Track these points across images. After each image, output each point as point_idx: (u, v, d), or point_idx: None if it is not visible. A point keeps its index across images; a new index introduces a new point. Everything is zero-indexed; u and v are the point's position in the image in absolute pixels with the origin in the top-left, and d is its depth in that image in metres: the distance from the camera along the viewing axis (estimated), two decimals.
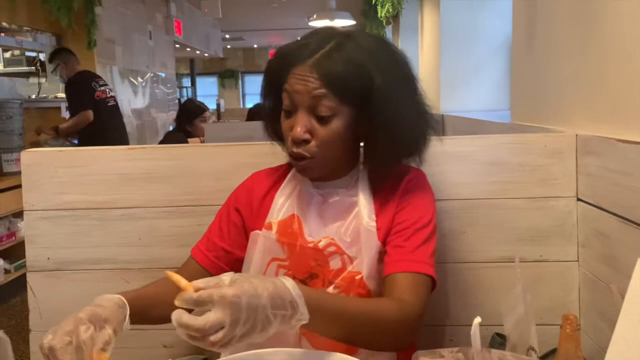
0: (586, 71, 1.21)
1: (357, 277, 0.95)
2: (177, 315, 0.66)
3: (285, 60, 0.94)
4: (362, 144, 1.01)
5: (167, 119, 7.07)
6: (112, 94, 4.26)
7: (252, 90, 14.88)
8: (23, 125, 3.78)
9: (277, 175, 1.08)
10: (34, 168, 1.26)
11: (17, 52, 5.31)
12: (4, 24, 4.19)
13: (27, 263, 1.27)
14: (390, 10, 4.38)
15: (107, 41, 5.30)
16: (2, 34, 4.65)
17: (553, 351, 0.97)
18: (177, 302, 0.67)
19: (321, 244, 0.98)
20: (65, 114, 4.53)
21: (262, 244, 1.00)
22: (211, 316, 0.65)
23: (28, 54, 5.29)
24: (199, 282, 0.69)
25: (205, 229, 1.08)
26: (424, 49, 4.50)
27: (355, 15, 5.85)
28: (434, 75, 3.83)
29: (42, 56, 5.16)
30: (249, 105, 6.69)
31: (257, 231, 1.02)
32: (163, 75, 7.20)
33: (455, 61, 3.69)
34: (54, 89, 5.22)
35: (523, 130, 1.51)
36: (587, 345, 1.13)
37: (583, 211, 1.17)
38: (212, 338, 0.65)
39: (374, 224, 0.97)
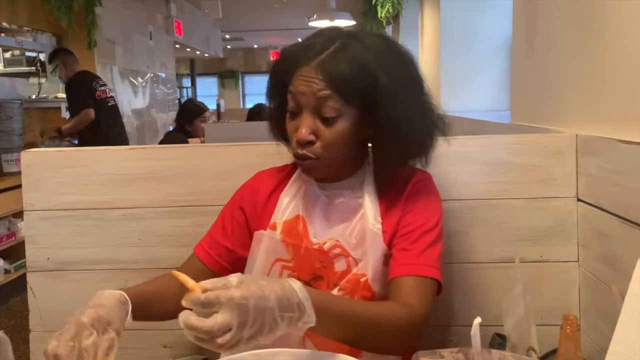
0: (586, 71, 1.21)
1: (362, 279, 0.94)
2: (185, 317, 0.66)
3: (289, 61, 0.94)
4: (370, 145, 1.00)
5: (167, 119, 7.07)
6: (111, 94, 4.27)
7: (252, 91, 14.89)
8: (23, 125, 3.78)
9: (282, 175, 1.07)
10: (34, 168, 1.26)
11: (17, 52, 5.31)
12: (4, 24, 4.20)
13: (27, 263, 1.27)
14: (391, 10, 4.38)
15: (107, 41, 5.30)
16: (2, 34, 4.65)
17: (553, 351, 0.97)
18: (184, 303, 0.67)
19: (326, 246, 0.97)
20: (65, 114, 4.53)
21: (266, 244, 1.00)
22: (219, 318, 0.64)
23: (28, 54, 5.29)
24: (207, 283, 0.68)
25: (205, 229, 1.08)
26: (424, 49, 4.50)
27: (355, 15, 5.85)
28: (434, 75, 3.83)
29: (42, 56, 5.16)
30: (249, 105, 6.68)
31: (262, 231, 1.01)
32: (163, 75, 7.20)
33: (455, 61, 3.70)
34: (54, 89, 5.22)
35: (523, 130, 1.51)
36: (587, 346, 1.13)
37: (583, 211, 1.17)
38: (220, 340, 0.65)
39: (380, 226, 0.96)
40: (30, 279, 1.28)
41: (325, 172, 0.97)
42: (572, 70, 1.29)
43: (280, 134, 1.04)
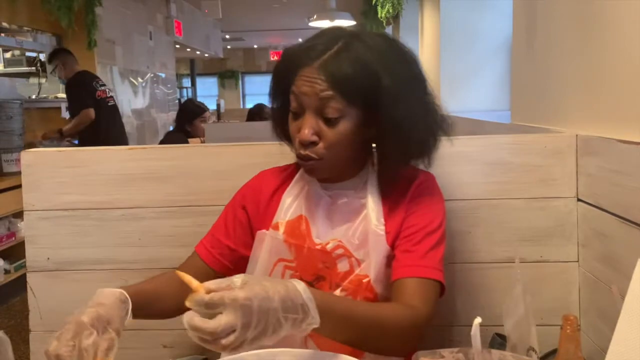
0: (586, 71, 1.21)
1: (365, 280, 0.94)
2: (189, 318, 0.66)
3: (292, 61, 0.94)
4: (374, 145, 1.00)
5: (167, 119, 7.07)
6: (111, 93, 4.28)
7: (252, 91, 14.89)
8: (23, 125, 3.78)
9: (285, 175, 1.07)
10: (34, 168, 1.26)
11: (17, 53, 5.31)
12: (4, 24, 4.20)
13: (27, 263, 1.27)
14: (391, 10, 4.38)
15: (107, 41, 5.30)
16: (2, 34, 4.65)
17: (553, 351, 0.97)
18: (188, 304, 0.67)
19: (329, 246, 0.97)
20: (66, 114, 4.54)
21: (269, 244, 1.00)
22: (223, 319, 0.64)
23: (28, 54, 5.29)
24: (211, 284, 0.68)
25: (205, 229, 1.08)
26: (424, 49, 4.50)
27: (355, 15, 5.85)
28: (434, 75, 3.83)
29: (42, 56, 5.16)
30: (249, 105, 6.67)
31: (264, 231, 1.01)
32: (163, 75, 7.20)
33: (455, 61, 3.70)
34: (54, 89, 5.22)
35: (523, 130, 1.51)
36: (587, 346, 1.13)
37: (583, 211, 1.17)
38: (224, 341, 0.65)
39: (383, 227, 0.96)
40: (30, 279, 1.28)
41: (328, 173, 0.97)
42: (572, 70, 1.29)
43: (283, 134, 1.04)
